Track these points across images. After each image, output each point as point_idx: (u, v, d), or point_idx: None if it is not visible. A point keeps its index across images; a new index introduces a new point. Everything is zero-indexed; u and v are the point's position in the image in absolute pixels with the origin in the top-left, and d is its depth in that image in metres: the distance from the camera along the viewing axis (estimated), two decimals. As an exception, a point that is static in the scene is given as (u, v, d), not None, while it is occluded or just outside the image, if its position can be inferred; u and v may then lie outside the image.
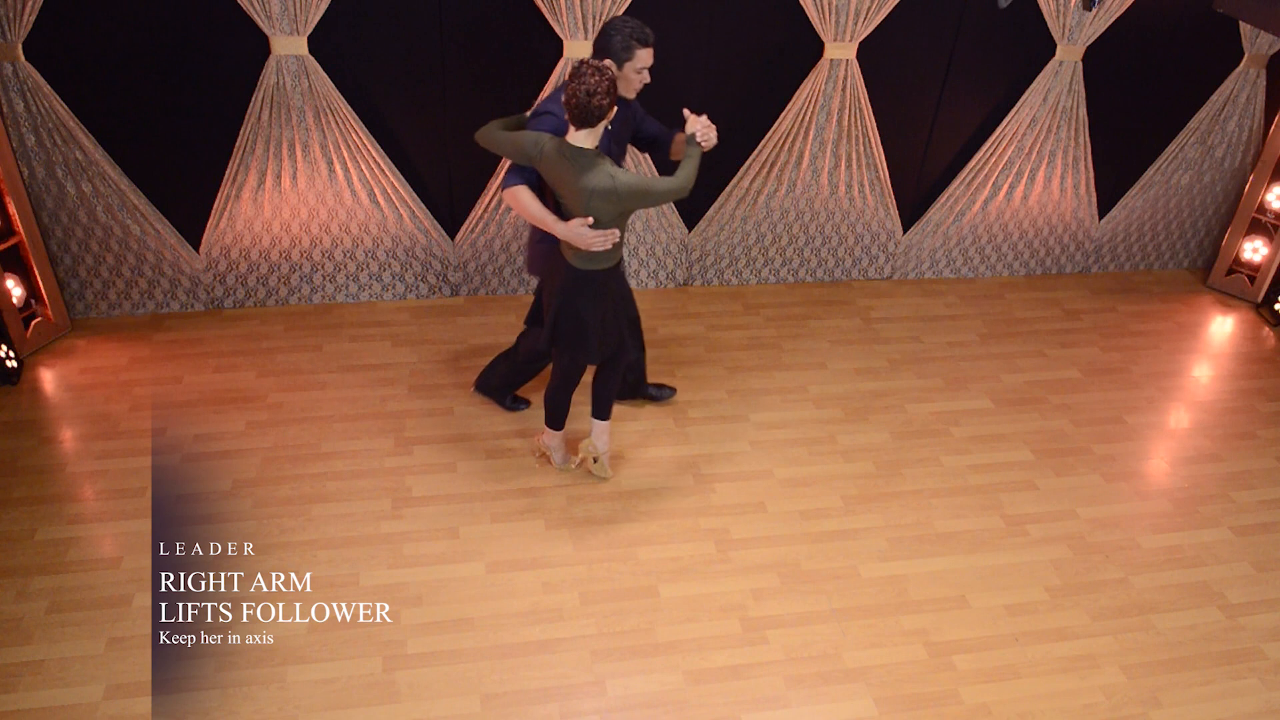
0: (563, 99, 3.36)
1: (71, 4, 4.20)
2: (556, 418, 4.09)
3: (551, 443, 4.18)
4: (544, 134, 3.50)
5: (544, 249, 3.84)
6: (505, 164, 4.96)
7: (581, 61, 3.32)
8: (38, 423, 4.30)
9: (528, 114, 3.75)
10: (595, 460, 4.14)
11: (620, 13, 4.60)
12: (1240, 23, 5.33)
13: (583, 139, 3.40)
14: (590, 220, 3.47)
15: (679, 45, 4.86)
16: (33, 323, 4.68)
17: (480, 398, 4.58)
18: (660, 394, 4.67)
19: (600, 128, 3.39)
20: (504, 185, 3.66)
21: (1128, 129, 5.65)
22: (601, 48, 3.60)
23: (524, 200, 3.60)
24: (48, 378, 4.57)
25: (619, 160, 3.79)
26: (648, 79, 3.69)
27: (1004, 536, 4.05)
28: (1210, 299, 5.95)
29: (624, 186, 3.41)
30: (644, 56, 3.61)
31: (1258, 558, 4.04)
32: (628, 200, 3.45)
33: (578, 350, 3.81)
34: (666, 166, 4.04)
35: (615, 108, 3.41)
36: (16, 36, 4.17)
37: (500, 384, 4.52)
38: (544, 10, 4.57)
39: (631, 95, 3.72)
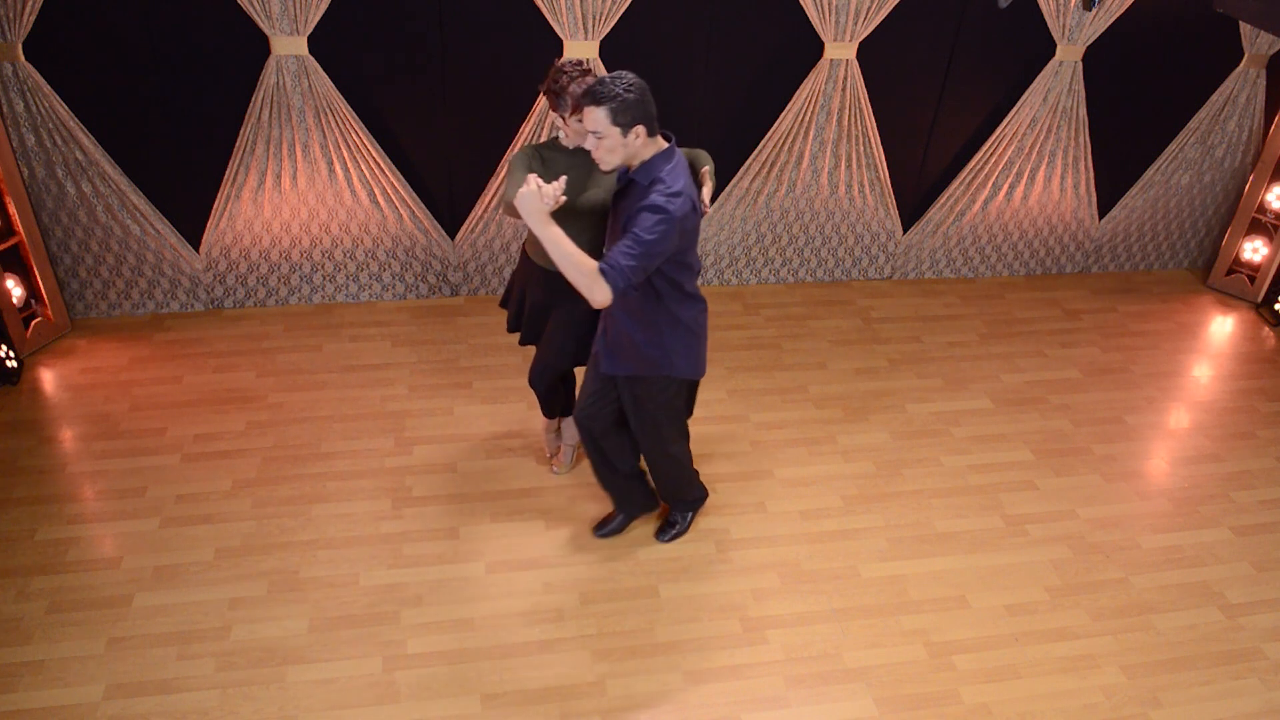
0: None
1: (71, 4, 4.20)
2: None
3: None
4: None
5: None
6: (503, 170, 4.98)
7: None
8: (38, 423, 4.30)
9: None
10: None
11: (619, 14, 4.60)
12: (1240, 23, 5.33)
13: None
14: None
15: (679, 45, 4.87)
16: (33, 323, 4.69)
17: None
18: None
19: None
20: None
21: (1128, 129, 5.65)
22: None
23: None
24: (48, 378, 4.57)
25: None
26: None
27: (1004, 536, 4.05)
28: (1210, 299, 5.95)
29: None
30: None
31: (1258, 558, 4.04)
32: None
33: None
34: None
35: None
36: (16, 36, 4.17)
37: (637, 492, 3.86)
38: (544, 10, 4.57)
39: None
